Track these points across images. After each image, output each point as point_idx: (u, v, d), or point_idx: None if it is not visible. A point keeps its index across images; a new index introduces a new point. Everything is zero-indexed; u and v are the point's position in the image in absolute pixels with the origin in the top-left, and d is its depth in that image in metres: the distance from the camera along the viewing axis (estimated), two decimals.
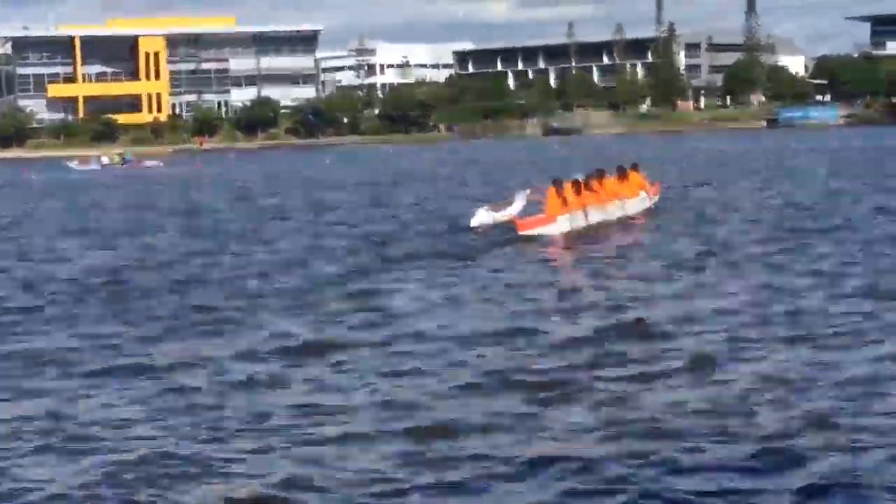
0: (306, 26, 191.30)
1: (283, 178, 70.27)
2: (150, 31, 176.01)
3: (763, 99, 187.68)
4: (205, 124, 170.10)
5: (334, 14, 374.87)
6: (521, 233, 28.23)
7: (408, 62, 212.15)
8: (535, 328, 16.25)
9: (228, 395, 12.94)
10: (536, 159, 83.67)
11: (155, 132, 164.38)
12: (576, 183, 30.61)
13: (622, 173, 33.89)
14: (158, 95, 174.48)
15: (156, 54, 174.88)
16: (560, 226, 29.02)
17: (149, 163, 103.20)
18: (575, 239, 28.41)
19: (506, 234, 28.59)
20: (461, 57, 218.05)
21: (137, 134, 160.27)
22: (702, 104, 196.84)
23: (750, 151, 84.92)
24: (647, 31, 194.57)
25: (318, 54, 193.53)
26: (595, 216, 30.77)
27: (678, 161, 71.11)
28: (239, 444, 11.12)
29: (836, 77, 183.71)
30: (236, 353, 15.10)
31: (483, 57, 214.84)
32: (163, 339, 16.48)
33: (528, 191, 32.36)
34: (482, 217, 30.65)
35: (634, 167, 34.76)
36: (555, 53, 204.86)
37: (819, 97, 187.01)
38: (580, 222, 29.94)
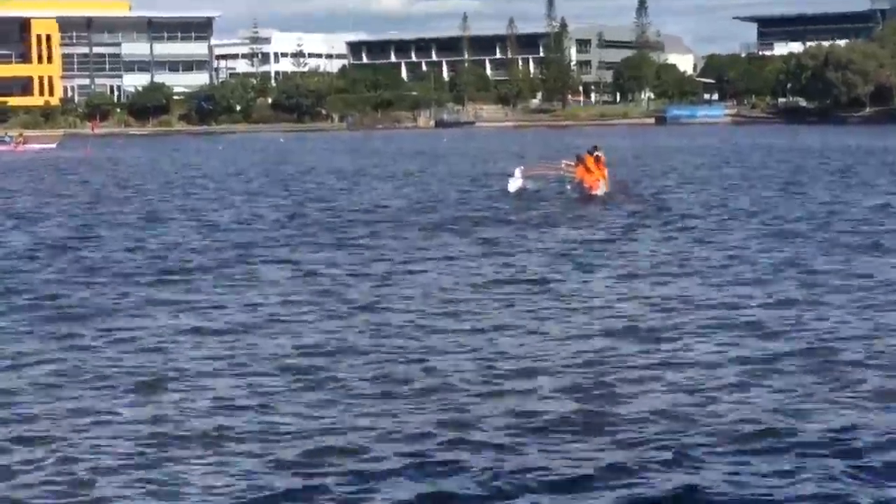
0: (201, 13, 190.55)
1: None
2: (42, 13, 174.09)
3: (652, 96, 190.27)
4: (97, 109, 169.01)
5: (230, 2, 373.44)
6: (591, 192, 36.68)
7: (302, 51, 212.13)
8: None
9: None
10: (431, 149, 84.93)
11: (46, 115, 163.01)
12: (597, 158, 37.65)
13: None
14: (50, 78, 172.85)
15: (48, 37, 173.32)
16: (602, 189, 37.25)
17: (37, 145, 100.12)
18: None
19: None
20: (355, 47, 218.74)
21: (28, 117, 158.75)
22: (592, 100, 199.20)
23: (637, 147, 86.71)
24: (540, 27, 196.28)
25: (213, 41, 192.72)
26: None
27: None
28: None
29: (723, 76, 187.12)
30: None
31: (376, 48, 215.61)
32: None
33: (522, 167, 41.50)
34: (515, 184, 39.37)
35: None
36: (448, 46, 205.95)
37: (707, 96, 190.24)
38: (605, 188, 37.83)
